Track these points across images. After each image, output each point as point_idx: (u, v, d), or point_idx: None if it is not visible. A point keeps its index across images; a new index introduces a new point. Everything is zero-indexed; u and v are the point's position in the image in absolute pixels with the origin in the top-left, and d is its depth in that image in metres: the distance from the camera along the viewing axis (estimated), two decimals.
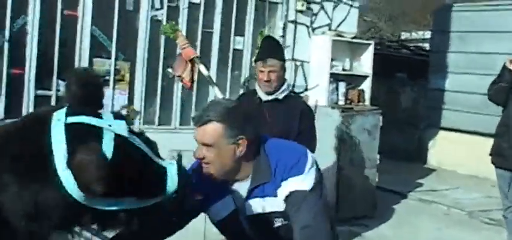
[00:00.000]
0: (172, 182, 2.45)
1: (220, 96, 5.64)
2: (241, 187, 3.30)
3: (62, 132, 2.14)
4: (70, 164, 2.08)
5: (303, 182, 3.18)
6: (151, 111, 7.47)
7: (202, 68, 5.55)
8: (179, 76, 5.56)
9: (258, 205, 3.28)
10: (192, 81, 5.53)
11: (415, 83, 15.15)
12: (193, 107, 7.65)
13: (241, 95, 6.54)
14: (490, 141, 7.58)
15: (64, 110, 2.22)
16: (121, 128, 2.25)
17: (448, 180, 12.53)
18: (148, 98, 7.42)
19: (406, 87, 15.38)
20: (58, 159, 2.09)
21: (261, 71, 5.54)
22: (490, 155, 7.54)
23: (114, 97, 7.14)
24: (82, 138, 2.13)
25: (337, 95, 8.81)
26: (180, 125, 7.60)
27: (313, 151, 5.29)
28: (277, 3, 8.25)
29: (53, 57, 6.80)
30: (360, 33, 13.31)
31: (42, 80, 6.76)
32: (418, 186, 11.67)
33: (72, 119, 2.19)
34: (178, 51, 7.25)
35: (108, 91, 7.04)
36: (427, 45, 16.75)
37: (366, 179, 8.91)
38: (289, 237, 3.23)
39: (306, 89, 8.38)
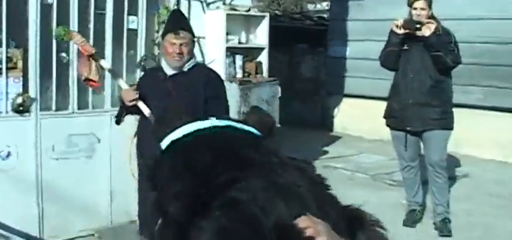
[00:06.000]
0: None
1: (125, 87, 5.63)
2: None
3: None
4: None
5: None
6: (48, 97, 7.38)
7: (103, 62, 5.53)
8: (86, 80, 5.49)
9: None
10: (99, 79, 5.48)
11: (315, 52, 15.38)
12: (90, 90, 7.60)
13: (142, 76, 6.51)
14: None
15: None
16: None
17: (354, 145, 12.84)
18: (43, 84, 7.31)
19: (307, 56, 15.60)
20: None
21: (173, 44, 5.50)
22: (384, 117, 7.80)
23: (8, 85, 7.01)
24: None
25: (235, 68, 8.94)
26: (78, 109, 7.54)
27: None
28: None
29: None
30: (263, 7, 13.45)
31: None
32: (323, 154, 11.89)
33: None
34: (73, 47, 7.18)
35: (1, 80, 6.96)
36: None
37: None
38: None
39: (204, 65, 8.41)
